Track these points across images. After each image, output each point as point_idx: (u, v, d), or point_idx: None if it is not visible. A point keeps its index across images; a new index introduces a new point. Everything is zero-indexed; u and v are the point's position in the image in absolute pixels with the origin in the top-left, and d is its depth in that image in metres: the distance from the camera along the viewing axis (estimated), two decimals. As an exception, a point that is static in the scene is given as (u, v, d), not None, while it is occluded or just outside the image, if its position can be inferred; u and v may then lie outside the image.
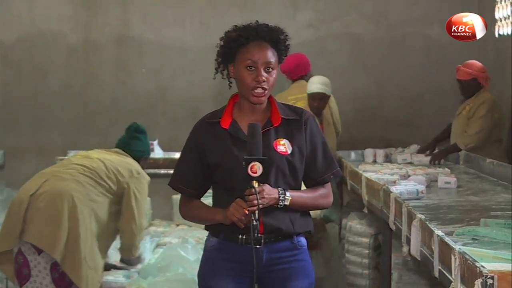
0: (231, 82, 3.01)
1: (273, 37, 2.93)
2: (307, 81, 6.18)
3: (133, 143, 4.71)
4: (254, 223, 2.83)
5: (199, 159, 3.00)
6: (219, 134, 2.98)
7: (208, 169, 3.00)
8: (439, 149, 6.18)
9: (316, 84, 5.98)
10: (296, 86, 6.37)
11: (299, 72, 6.38)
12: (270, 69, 2.92)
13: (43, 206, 4.17)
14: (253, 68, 2.91)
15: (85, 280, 4.18)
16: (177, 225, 6.23)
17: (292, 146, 2.97)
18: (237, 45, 2.92)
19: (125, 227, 4.48)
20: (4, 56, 7.77)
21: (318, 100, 5.98)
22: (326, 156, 3.04)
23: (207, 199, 3.09)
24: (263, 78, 2.90)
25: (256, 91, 2.91)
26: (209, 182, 3.04)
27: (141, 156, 4.69)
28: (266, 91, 2.92)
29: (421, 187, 4.25)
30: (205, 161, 2.99)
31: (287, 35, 2.97)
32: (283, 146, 2.96)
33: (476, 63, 6.09)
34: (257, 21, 2.97)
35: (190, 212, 3.08)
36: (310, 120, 3.03)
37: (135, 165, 4.57)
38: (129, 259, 4.71)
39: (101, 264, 4.38)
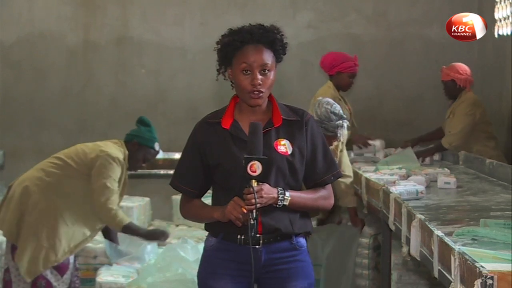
0: (232, 83, 3.00)
1: (268, 38, 2.92)
2: (334, 82, 5.99)
3: (130, 130, 4.90)
4: (252, 222, 2.83)
5: (200, 159, 3.00)
6: (219, 134, 2.98)
7: (208, 169, 3.00)
8: (426, 148, 6.17)
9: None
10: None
11: (326, 71, 6.14)
12: (266, 71, 2.92)
13: (8, 195, 4.65)
14: (248, 72, 2.91)
15: (29, 260, 4.46)
16: (177, 225, 6.24)
17: (292, 146, 2.97)
18: (232, 49, 2.92)
19: (93, 202, 4.58)
20: (4, 56, 7.76)
21: None
22: (327, 157, 3.04)
23: (207, 199, 3.10)
24: (259, 81, 2.90)
25: (252, 94, 2.92)
26: (210, 181, 3.04)
27: (130, 139, 4.80)
28: (262, 94, 2.92)
29: (421, 188, 4.25)
30: (205, 161, 3.00)
31: (283, 35, 2.96)
32: (284, 146, 2.96)
33: (458, 65, 6.07)
34: (250, 24, 2.96)
35: (190, 211, 3.09)
36: (311, 121, 3.03)
37: (109, 150, 4.65)
38: (123, 231, 4.64)
39: (71, 241, 4.56)
